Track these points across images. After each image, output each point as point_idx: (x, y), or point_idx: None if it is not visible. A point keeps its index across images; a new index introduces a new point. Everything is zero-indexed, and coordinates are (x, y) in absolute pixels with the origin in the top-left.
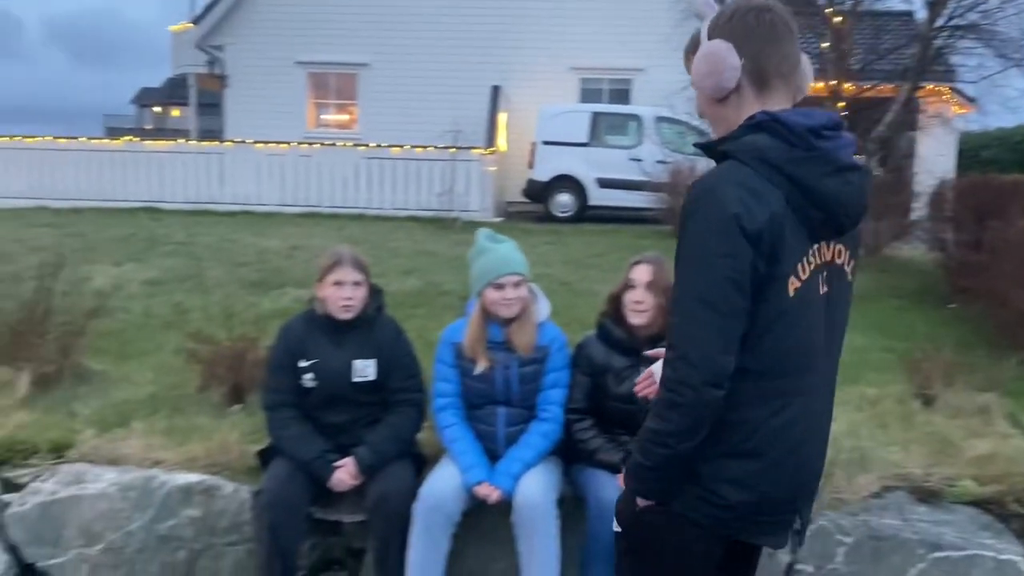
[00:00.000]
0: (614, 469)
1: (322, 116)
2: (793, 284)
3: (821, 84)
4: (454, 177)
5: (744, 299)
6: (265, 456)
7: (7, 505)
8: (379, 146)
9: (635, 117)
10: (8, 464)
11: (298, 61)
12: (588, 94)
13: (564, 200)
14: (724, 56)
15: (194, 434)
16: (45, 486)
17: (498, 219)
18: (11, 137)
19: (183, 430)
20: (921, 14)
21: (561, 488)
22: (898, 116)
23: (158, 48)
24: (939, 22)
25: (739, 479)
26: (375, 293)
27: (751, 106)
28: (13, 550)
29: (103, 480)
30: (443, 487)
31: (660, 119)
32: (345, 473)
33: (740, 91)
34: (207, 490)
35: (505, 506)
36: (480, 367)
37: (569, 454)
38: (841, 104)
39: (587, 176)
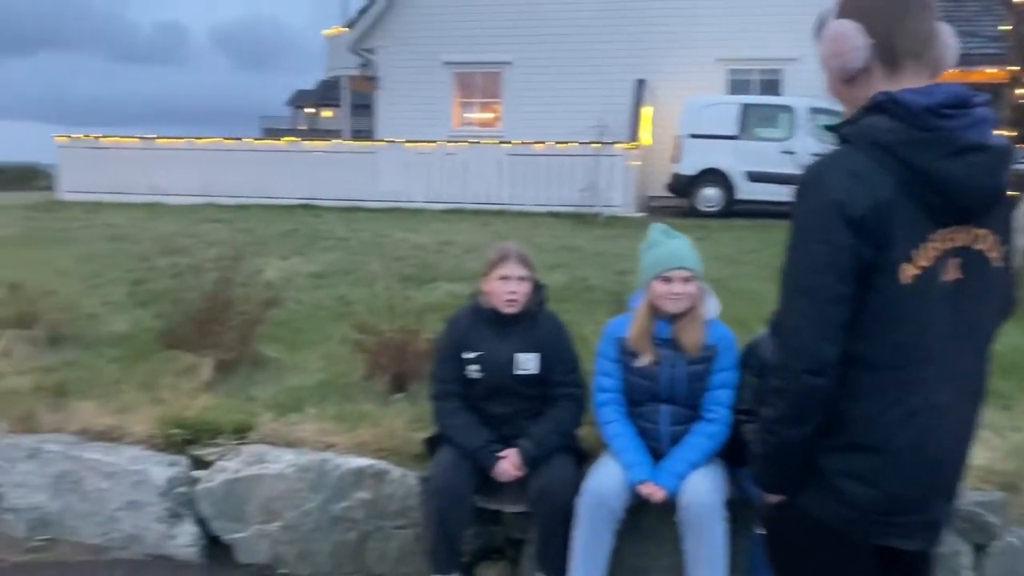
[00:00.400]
0: None
1: (466, 115)
2: (907, 271)
3: (998, 70)
4: (597, 172)
5: (844, 286)
6: (432, 444)
7: (197, 481)
8: (522, 143)
9: (787, 108)
10: (197, 443)
11: (445, 61)
12: (736, 86)
13: (711, 195)
14: (849, 36)
15: (362, 420)
16: (230, 465)
17: (641, 214)
18: (182, 139)
19: (352, 416)
20: None
21: (727, 490)
22: None
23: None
24: None
25: (860, 474)
26: (538, 288)
27: (880, 85)
28: (202, 523)
29: (282, 461)
30: (606, 483)
31: (815, 110)
32: (509, 464)
33: (869, 71)
34: (377, 474)
35: (668, 505)
36: (644, 360)
37: (735, 456)
38: (1020, 91)
39: (735, 170)
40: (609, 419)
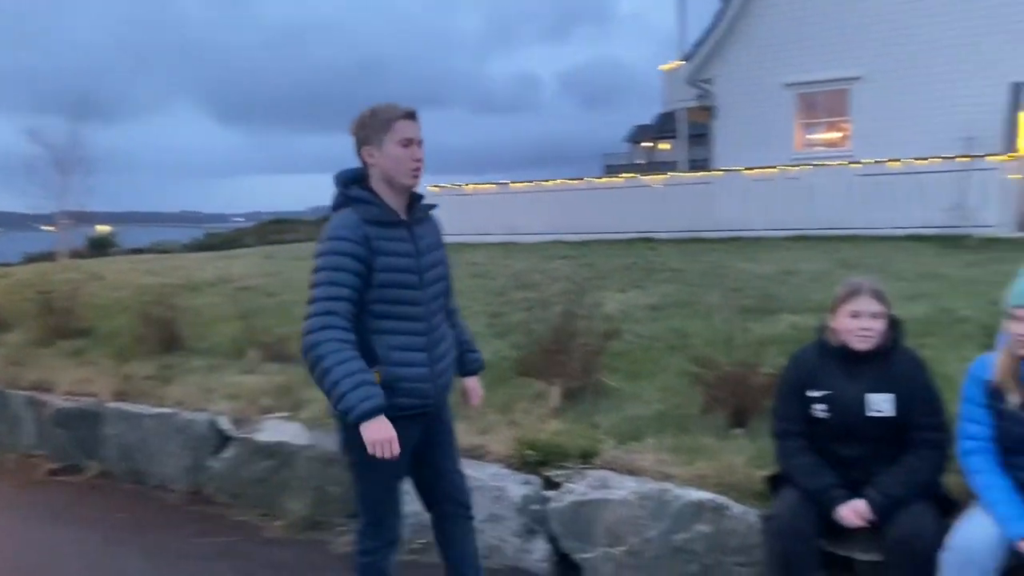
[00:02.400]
0: None
1: (808, 136)
2: None
3: None
4: (966, 189)
5: None
6: (775, 482)
7: (548, 500)
8: (875, 162)
9: None
10: (548, 465)
11: (785, 83)
12: None
13: None
14: None
15: (700, 453)
16: (577, 487)
17: (1021, 234)
18: (532, 182)
19: (689, 448)
20: None
21: None
22: None
23: (650, 88)
24: None
25: None
26: (894, 324)
27: None
28: (553, 540)
29: (624, 488)
30: (977, 537)
31: None
32: (852, 511)
33: None
34: (717, 508)
35: None
36: (1013, 401)
37: None
38: None
39: None
40: (977, 469)
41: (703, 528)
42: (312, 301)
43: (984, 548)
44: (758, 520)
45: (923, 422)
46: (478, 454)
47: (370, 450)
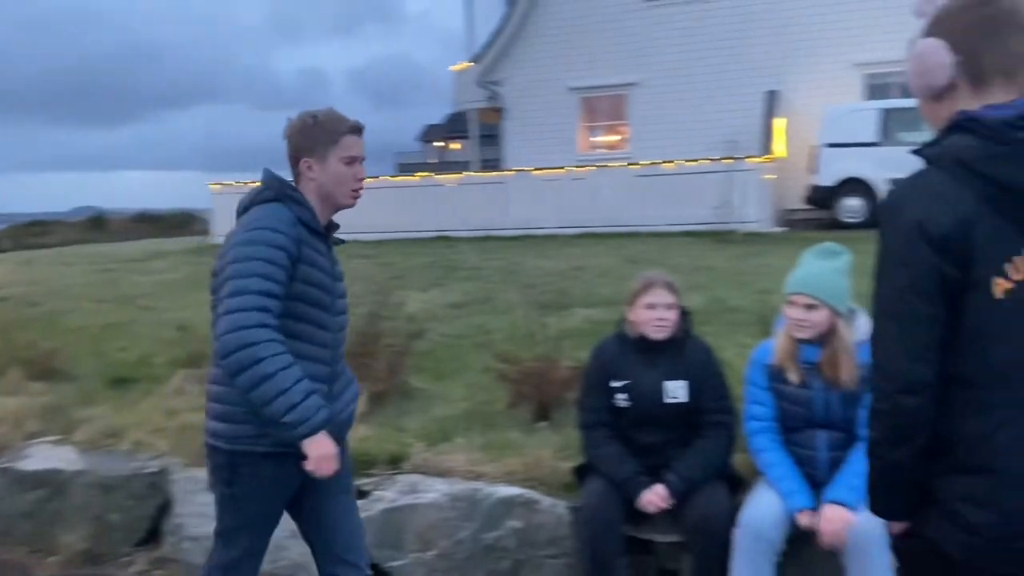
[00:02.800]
0: None
1: (592, 138)
2: (1001, 285)
3: None
4: (730, 188)
5: (930, 306)
6: (581, 473)
7: None
8: (651, 164)
9: None
10: (354, 474)
11: (570, 87)
12: (874, 91)
13: (853, 205)
14: (931, 54)
15: (509, 449)
16: (386, 494)
17: (779, 229)
18: None
19: (498, 445)
20: None
21: None
22: None
23: (441, 87)
24: None
25: (975, 496)
26: (684, 315)
27: (967, 104)
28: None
29: (434, 491)
30: (764, 513)
31: None
32: (655, 495)
33: (955, 90)
34: (526, 503)
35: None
36: (792, 379)
37: None
38: None
39: (879, 178)
40: (763, 447)
41: (514, 524)
42: (237, 293)
43: (771, 522)
44: (567, 512)
45: (713, 406)
46: None
47: (311, 467)
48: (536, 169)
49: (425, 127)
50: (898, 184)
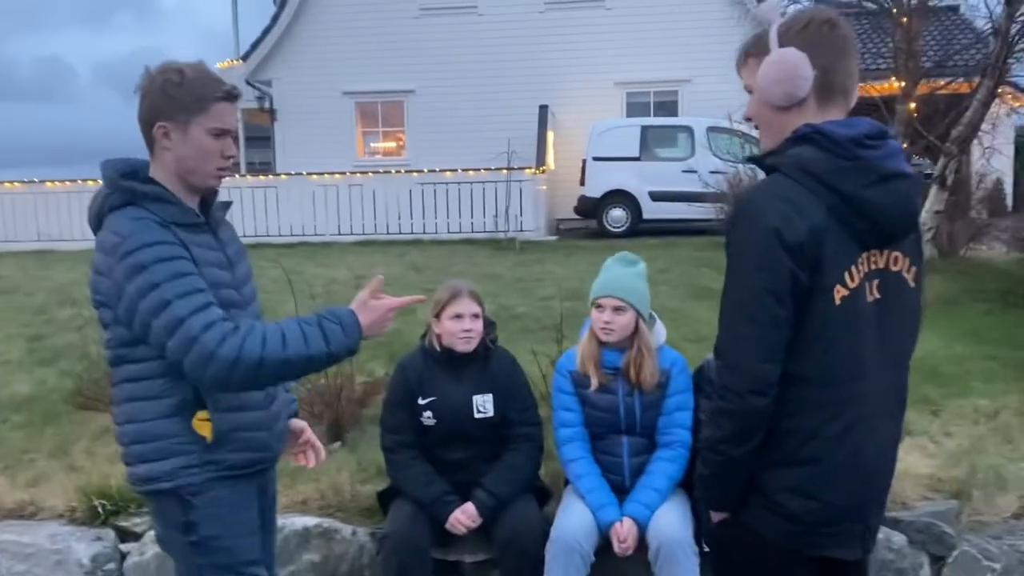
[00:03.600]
0: None
1: (371, 144)
2: (840, 293)
3: (892, 84)
4: (508, 198)
5: (784, 309)
6: (384, 497)
7: (126, 556)
8: (431, 171)
9: (686, 128)
10: (122, 513)
11: (345, 92)
12: (634, 108)
13: (617, 215)
14: (798, 64)
15: (301, 475)
16: None
17: (552, 238)
18: (74, 180)
19: (289, 471)
20: (998, 9)
21: (695, 523)
22: (977, 114)
23: None
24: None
25: (798, 487)
26: (489, 326)
27: (811, 117)
28: None
29: None
30: (576, 526)
31: (712, 129)
32: (463, 515)
33: (804, 102)
34: (324, 533)
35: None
36: (593, 382)
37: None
38: (912, 106)
39: (640, 190)
40: (573, 456)
41: (311, 557)
42: (173, 329)
43: (583, 533)
44: (369, 540)
45: (520, 418)
46: (28, 513)
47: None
48: (311, 174)
49: None
50: (751, 191)
